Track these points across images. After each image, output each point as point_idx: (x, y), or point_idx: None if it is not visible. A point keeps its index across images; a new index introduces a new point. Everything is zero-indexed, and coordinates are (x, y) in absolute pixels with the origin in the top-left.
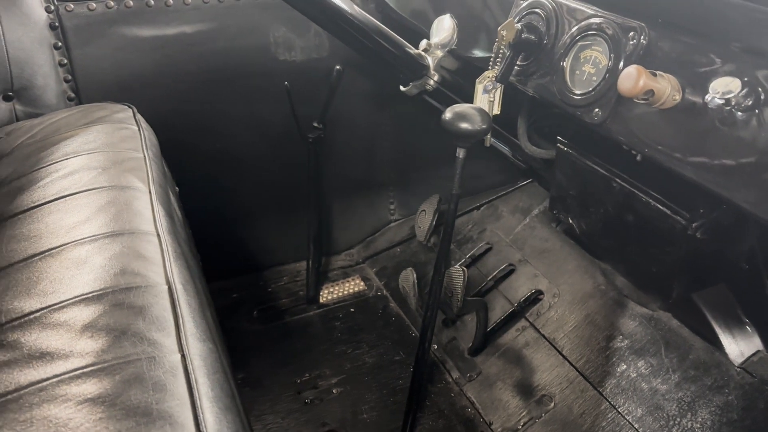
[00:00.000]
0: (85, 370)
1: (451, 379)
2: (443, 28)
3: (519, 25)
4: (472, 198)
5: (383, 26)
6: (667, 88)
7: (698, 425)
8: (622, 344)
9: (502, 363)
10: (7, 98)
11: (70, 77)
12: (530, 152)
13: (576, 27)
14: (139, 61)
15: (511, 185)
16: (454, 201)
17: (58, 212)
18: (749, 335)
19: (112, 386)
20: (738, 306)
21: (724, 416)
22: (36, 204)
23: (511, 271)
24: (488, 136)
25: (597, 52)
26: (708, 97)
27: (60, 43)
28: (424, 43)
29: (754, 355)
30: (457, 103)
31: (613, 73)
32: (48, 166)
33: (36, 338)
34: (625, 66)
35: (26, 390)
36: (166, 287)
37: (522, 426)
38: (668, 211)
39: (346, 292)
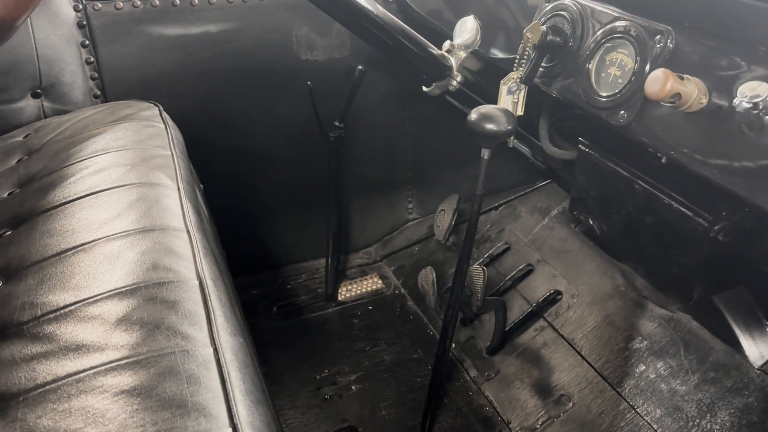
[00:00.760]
0: (120, 362)
1: (469, 378)
2: (466, 29)
3: (544, 27)
4: (490, 198)
5: (406, 26)
6: (693, 91)
7: (717, 427)
8: (642, 345)
9: (520, 362)
10: (35, 95)
11: (96, 75)
12: (551, 153)
13: (601, 30)
14: (164, 59)
15: (530, 185)
16: (478, 201)
17: (90, 208)
18: None
19: (147, 378)
20: (758, 308)
21: (744, 418)
22: (67, 200)
23: (530, 271)
24: (512, 137)
25: (623, 54)
26: (736, 101)
27: (87, 42)
28: (447, 44)
29: None
30: (479, 103)
31: (639, 75)
32: (77, 162)
33: (72, 331)
34: (651, 69)
35: (64, 381)
36: (197, 282)
37: (540, 425)
38: (690, 214)
39: (364, 290)
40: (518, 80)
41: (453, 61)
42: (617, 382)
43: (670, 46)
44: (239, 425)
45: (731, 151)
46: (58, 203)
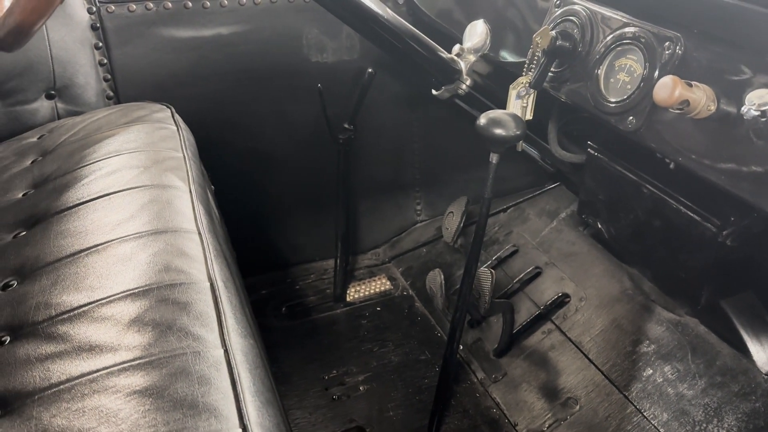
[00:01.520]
0: (133, 363)
1: (476, 380)
2: (476, 33)
3: (554, 33)
4: (499, 200)
5: (416, 30)
6: (702, 98)
7: (724, 431)
8: (649, 349)
9: (527, 365)
10: (49, 96)
11: (109, 76)
12: (560, 156)
13: (611, 35)
14: (176, 61)
15: (538, 188)
16: (486, 204)
17: (103, 210)
18: None
19: (159, 379)
20: (766, 313)
21: (751, 423)
22: (81, 201)
23: (538, 274)
24: (521, 141)
25: (632, 60)
26: (744, 109)
27: (101, 44)
28: (456, 47)
29: None
30: (488, 107)
31: (647, 81)
32: (91, 164)
33: (85, 331)
34: (660, 75)
35: (77, 381)
36: (209, 284)
37: (547, 428)
38: (699, 218)
39: (372, 291)
40: (527, 85)
41: (462, 65)
42: (624, 386)
43: (679, 52)
44: (249, 426)
45: (739, 157)
46: (72, 204)
